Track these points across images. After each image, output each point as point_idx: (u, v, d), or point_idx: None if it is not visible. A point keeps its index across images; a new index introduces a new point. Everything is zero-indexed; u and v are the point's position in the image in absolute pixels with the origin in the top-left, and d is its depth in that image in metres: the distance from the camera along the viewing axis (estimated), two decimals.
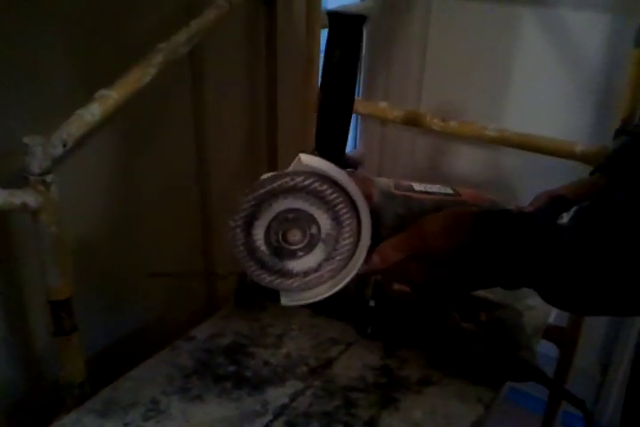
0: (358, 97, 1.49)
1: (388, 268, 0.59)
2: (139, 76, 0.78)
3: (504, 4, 1.41)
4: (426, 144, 1.62)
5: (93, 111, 0.74)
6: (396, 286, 0.85)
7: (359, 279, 0.90)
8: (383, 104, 1.13)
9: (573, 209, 0.48)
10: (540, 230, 0.47)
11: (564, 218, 0.49)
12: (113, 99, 0.76)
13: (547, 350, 1.16)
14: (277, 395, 0.80)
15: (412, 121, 1.11)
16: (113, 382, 0.82)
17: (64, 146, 0.72)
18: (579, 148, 0.96)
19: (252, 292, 0.94)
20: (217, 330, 0.92)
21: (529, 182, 1.53)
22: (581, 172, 0.77)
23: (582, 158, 0.95)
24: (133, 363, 0.86)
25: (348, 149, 1.61)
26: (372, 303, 0.89)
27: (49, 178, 0.70)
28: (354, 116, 1.57)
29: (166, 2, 0.90)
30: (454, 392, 0.86)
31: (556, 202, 0.54)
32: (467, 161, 1.60)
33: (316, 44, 1.13)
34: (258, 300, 0.95)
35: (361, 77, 1.52)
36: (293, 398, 0.80)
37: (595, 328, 1.52)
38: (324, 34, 1.48)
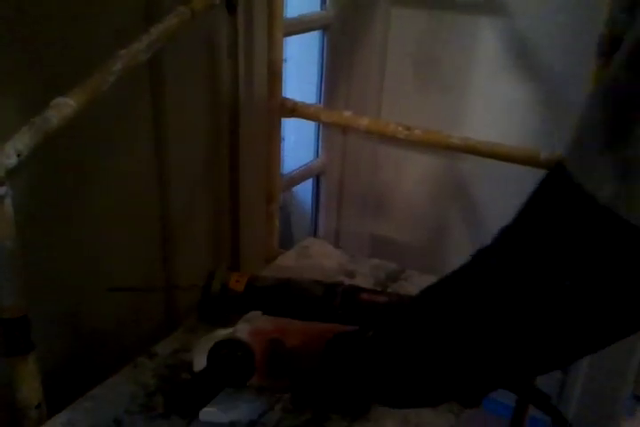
0: (320, 105, 1.48)
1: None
2: (97, 84, 0.75)
3: (463, 14, 1.43)
4: (387, 153, 1.63)
5: (50, 119, 0.71)
6: (365, 296, 0.84)
7: (326, 288, 0.88)
8: (347, 113, 1.12)
9: None
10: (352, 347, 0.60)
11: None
12: (70, 106, 0.73)
13: None
14: (246, 411, 0.78)
15: (377, 130, 1.11)
16: (72, 403, 0.78)
17: (18, 156, 0.68)
18: (543, 155, 0.97)
19: (215, 305, 0.90)
20: (180, 345, 0.90)
21: (488, 190, 1.55)
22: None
23: (546, 165, 0.96)
24: (93, 381, 0.83)
25: (310, 157, 1.60)
26: (340, 312, 0.88)
27: (2, 190, 0.67)
28: (315, 124, 1.57)
29: (125, 9, 0.88)
30: None
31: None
32: (427, 169, 1.61)
33: (279, 51, 1.12)
34: (222, 313, 0.91)
35: (322, 86, 1.52)
36: (262, 413, 0.78)
37: None
38: (286, 42, 1.48)
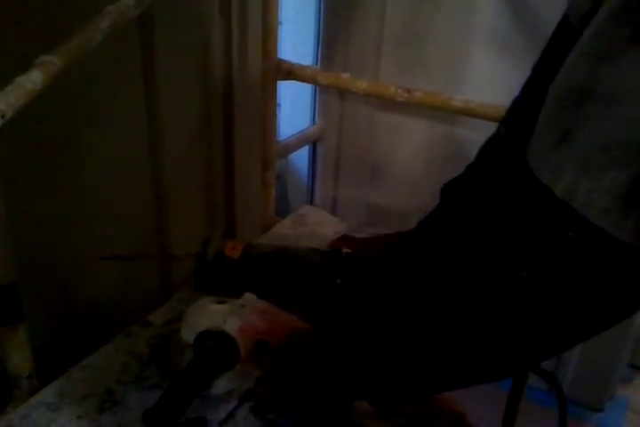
0: (317, 66, 1.43)
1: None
2: (84, 41, 0.71)
3: None
4: (385, 119, 1.59)
5: (35, 79, 0.67)
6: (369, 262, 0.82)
7: (324, 255, 0.85)
8: (345, 75, 1.08)
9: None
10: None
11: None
12: (56, 65, 0.69)
13: None
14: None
15: (376, 92, 1.07)
16: (65, 373, 0.76)
17: (2, 117, 0.65)
18: None
19: (211, 273, 0.87)
20: (174, 315, 0.88)
21: None
22: None
23: None
24: (86, 351, 0.81)
25: (307, 123, 1.57)
26: (338, 281, 0.85)
27: None
28: (312, 88, 1.52)
29: None
30: None
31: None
32: (426, 135, 1.57)
33: (274, 10, 1.07)
34: (218, 281, 0.88)
35: (319, 47, 1.47)
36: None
37: None
38: (281, 1, 1.42)
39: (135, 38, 0.92)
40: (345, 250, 0.85)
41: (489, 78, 1.42)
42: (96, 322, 0.97)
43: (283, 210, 1.58)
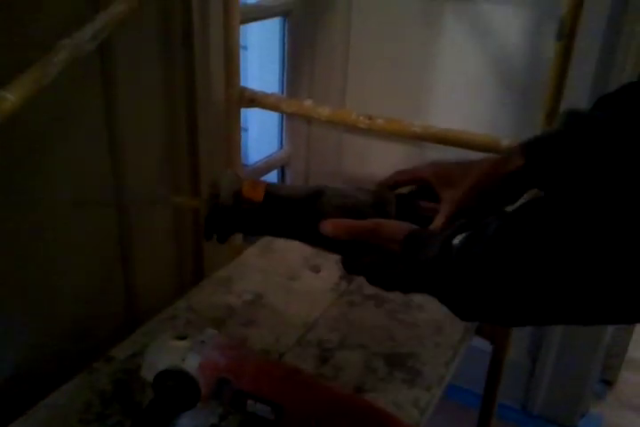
0: (282, 95, 1.44)
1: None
2: (38, 76, 0.71)
3: (425, 0, 1.40)
4: (352, 142, 1.60)
5: None
6: (423, 203, 0.73)
7: (376, 198, 0.71)
8: (308, 102, 1.09)
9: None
10: (436, 253, 0.54)
11: (457, 238, 0.53)
12: (9, 101, 0.68)
13: (481, 344, 1.16)
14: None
15: (338, 119, 1.08)
16: (24, 414, 0.75)
17: None
18: (504, 142, 0.96)
19: (227, 220, 0.67)
20: (137, 348, 0.86)
21: None
22: None
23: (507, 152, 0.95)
24: (48, 389, 0.79)
25: (274, 148, 1.57)
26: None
27: None
28: (278, 115, 1.53)
29: None
30: (389, 399, 0.84)
31: (463, 224, 0.56)
32: (393, 158, 1.59)
33: (236, 39, 1.08)
34: (234, 231, 0.70)
35: (284, 75, 1.48)
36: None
37: None
38: (246, 29, 1.44)
39: (95, 69, 0.91)
40: (398, 191, 0.75)
41: (450, 104, 1.44)
42: (57, 356, 0.94)
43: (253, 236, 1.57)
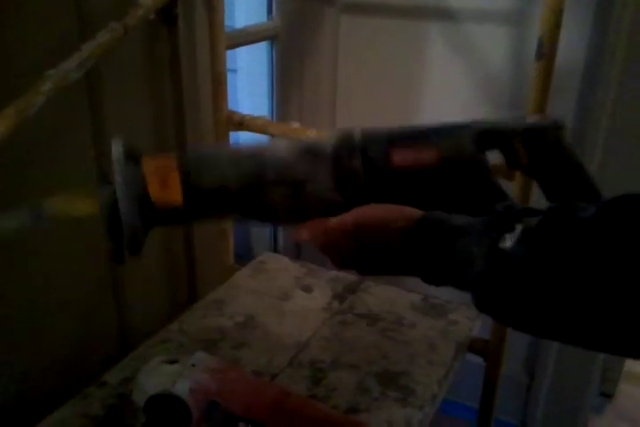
0: (271, 119, 1.46)
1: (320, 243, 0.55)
2: (24, 106, 0.72)
3: (410, 20, 1.43)
4: None
5: None
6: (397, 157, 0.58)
7: (336, 170, 0.55)
8: (296, 125, 1.11)
9: (518, 230, 0.43)
10: (481, 255, 0.45)
11: (507, 240, 0.43)
12: None
13: (476, 358, 1.16)
14: None
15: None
16: None
17: None
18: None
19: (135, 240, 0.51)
20: (129, 373, 0.87)
21: None
22: None
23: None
24: (40, 415, 0.79)
25: None
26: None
27: None
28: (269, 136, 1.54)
29: (56, 27, 0.84)
30: (382, 418, 0.84)
31: (501, 220, 0.46)
32: None
33: (222, 64, 1.10)
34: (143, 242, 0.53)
35: (274, 98, 1.50)
36: None
37: (519, 336, 1.54)
38: (235, 53, 1.46)
39: (82, 96, 0.92)
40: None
41: (444, 114, 1.46)
42: (49, 382, 0.94)
43: (247, 254, 1.58)
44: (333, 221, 0.54)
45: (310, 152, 0.54)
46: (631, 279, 0.38)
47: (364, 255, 0.54)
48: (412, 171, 0.54)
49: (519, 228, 0.43)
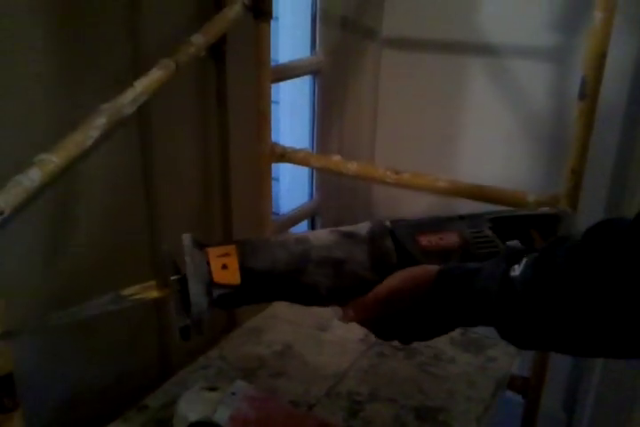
0: (312, 151, 1.48)
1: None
2: (81, 139, 0.76)
3: (451, 55, 1.45)
4: (382, 190, 1.62)
5: (33, 177, 0.71)
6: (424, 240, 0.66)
7: (372, 251, 0.63)
8: (337, 157, 1.13)
9: (523, 261, 0.51)
10: (495, 286, 0.51)
11: (516, 270, 0.50)
12: (53, 163, 0.73)
13: (514, 395, 1.14)
14: None
15: (366, 174, 1.11)
16: None
17: (1, 214, 0.68)
18: (531, 197, 0.97)
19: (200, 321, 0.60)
20: (169, 398, 0.88)
21: None
22: None
23: (534, 206, 0.96)
24: None
25: (305, 198, 1.60)
26: None
27: None
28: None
29: (111, 62, 0.89)
30: None
31: (509, 256, 0.53)
32: (422, 208, 1.60)
33: (267, 99, 1.13)
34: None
35: (315, 130, 1.53)
36: None
37: (558, 373, 1.51)
38: (278, 86, 1.49)
39: (134, 129, 0.96)
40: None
41: (477, 158, 1.47)
42: (92, 405, 0.97)
43: None
44: (369, 295, 0.61)
45: (348, 235, 0.62)
46: (611, 287, 0.44)
47: (399, 319, 0.60)
48: (435, 251, 0.62)
49: (524, 260, 0.50)
